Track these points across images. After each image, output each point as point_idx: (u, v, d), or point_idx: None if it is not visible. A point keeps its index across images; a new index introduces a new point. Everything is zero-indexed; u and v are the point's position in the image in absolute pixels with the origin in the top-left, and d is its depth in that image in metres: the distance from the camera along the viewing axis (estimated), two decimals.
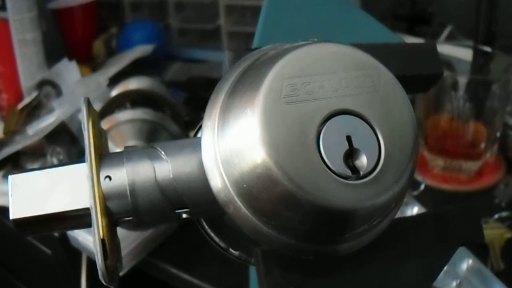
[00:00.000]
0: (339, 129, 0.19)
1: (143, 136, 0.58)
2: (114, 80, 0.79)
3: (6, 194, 0.22)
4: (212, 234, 0.27)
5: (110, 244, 0.21)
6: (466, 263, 0.50)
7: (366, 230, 0.21)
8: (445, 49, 0.68)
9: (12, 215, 0.21)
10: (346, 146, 0.19)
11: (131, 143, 0.56)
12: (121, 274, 0.23)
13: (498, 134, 0.65)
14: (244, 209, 0.20)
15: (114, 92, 0.72)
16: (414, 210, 0.58)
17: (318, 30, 0.30)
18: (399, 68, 0.22)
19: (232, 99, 0.20)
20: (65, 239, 0.62)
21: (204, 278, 0.56)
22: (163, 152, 0.22)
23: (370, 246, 0.22)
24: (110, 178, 0.22)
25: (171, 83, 0.89)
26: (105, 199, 0.22)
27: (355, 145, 0.19)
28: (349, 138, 0.19)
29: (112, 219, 0.22)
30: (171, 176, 0.22)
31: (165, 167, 0.22)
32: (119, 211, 0.22)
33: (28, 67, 0.82)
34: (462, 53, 0.68)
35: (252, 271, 0.33)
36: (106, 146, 0.25)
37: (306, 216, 0.19)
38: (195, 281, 0.56)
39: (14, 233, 0.22)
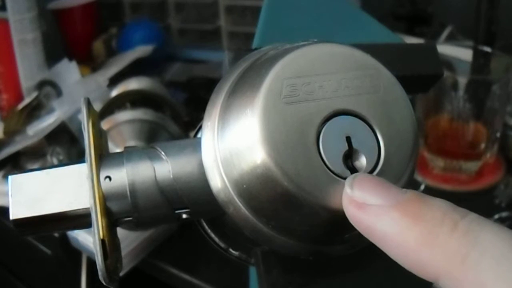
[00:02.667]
0: (338, 129, 0.19)
1: (143, 137, 0.58)
2: (114, 81, 0.79)
3: (6, 194, 0.22)
4: (212, 235, 0.27)
5: (110, 245, 0.21)
6: None
7: None
8: (445, 49, 0.68)
9: (12, 216, 0.21)
10: (345, 146, 0.19)
11: (131, 143, 0.56)
12: (121, 274, 0.23)
13: (498, 135, 0.65)
14: (244, 210, 0.20)
15: (114, 93, 0.72)
16: None
17: (318, 30, 0.30)
18: (399, 68, 0.22)
19: (232, 99, 0.20)
20: (65, 239, 0.62)
21: (204, 278, 0.56)
22: (163, 153, 0.22)
23: (370, 246, 0.22)
24: (110, 178, 0.22)
25: (171, 84, 0.89)
26: (105, 199, 0.22)
27: (355, 145, 0.19)
28: (348, 138, 0.19)
29: (112, 220, 0.22)
30: (171, 176, 0.22)
31: (165, 168, 0.22)
32: (119, 211, 0.22)
33: (28, 67, 0.82)
34: (462, 53, 0.68)
35: (252, 271, 0.33)
36: (106, 147, 0.25)
37: (305, 216, 0.19)
38: (195, 281, 0.56)
39: (14, 233, 0.22)
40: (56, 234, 0.64)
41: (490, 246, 0.15)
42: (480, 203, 0.63)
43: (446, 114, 0.64)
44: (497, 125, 0.64)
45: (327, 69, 0.20)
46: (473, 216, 0.16)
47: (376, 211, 0.17)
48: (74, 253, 0.63)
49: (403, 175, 0.20)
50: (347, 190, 0.18)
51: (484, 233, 0.15)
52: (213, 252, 0.28)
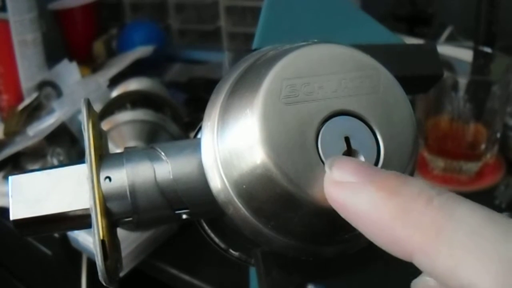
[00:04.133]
0: (337, 130, 0.19)
1: (143, 137, 0.58)
2: (115, 81, 0.79)
3: (6, 195, 0.22)
4: (212, 235, 0.27)
5: (110, 245, 0.21)
6: None
7: None
8: (445, 49, 0.68)
9: (12, 216, 0.21)
10: (344, 147, 0.19)
11: (131, 144, 0.56)
12: (121, 275, 0.23)
13: (498, 135, 0.65)
14: (243, 210, 0.20)
15: (115, 93, 0.72)
16: None
17: (318, 31, 0.30)
18: (399, 69, 0.22)
19: (231, 99, 0.20)
20: (65, 240, 0.62)
21: (204, 278, 0.56)
22: (163, 153, 0.22)
23: (370, 247, 0.22)
24: (110, 179, 0.22)
25: (171, 84, 0.89)
26: (105, 200, 0.22)
27: (354, 146, 0.19)
28: (347, 139, 0.19)
29: (112, 220, 0.22)
30: (171, 177, 0.22)
31: (165, 168, 0.22)
32: (119, 212, 0.22)
33: (28, 68, 0.82)
34: (462, 54, 0.68)
35: (252, 272, 0.33)
36: (106, 147, 0.25)
37: (305, 216, 0.19)
38: (195, 281, 0.56)
39: (15, 234, 0.22)
40: (56, 235, 0.64)
41: (466, 220, 0.14)
42: (480, 203, 0.63)
43: (446, 115, 0.64)
44: (497, 126, 0.64)
45: (327, 70, 0.20)
46: (450, 194, 0.16)
47: (352, 187, 0.17)
48: (74, 253, 0.63)
49: None
50: (326, 170, 0.18)
51: (460, 208, 0.15)
52: (213, 253, 0.28)
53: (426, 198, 0.15)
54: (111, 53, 0.97)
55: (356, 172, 0.17)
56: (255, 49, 0.24)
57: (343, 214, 0.17)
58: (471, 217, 0.15)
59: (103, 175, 0.22)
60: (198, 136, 0.23)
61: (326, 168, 0.18)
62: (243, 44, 0.96)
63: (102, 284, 0.21)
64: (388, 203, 0.16)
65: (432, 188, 0.16)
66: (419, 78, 0.27)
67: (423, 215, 0.15)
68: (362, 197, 0.16)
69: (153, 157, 0.22)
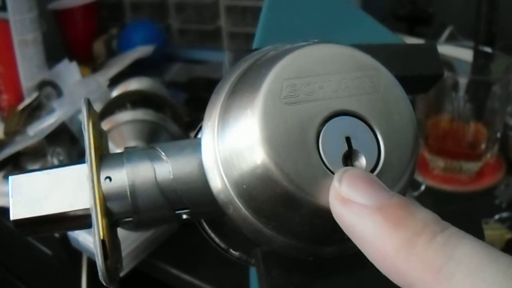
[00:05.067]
0: (338, 130, 0.19)
1: (143, 137, 0.58)
2: (115, 81, 0.79)
3: (6, 194, 0.22)
4: (213, 235, 0.27)
5: (110, 245, 0.21)
6: None
7: None
8: (445, 49, 0.68)
9: (13, 216, 0.21)
10: (345, 147, 0.19)
11: (132, 143, 0.56)
12: (121, 275, 0.23)
13: (498, 135, 0.65)
14: (244, 210, 0.20)
15: (115, 93, 0.72)
16: None
17: (318, 31, 0.30)
18: (399, 69, 0.22)
19: (232, 99, 0.20)
20: (65, 240, 0.62)
21: (204, 278, 0.56)
22: (163, 153, 0.22)
23: None
24: (110, 179, 0.22)
25: (171, 84, 0.89)
26: (105, 200, 0.22)
27: (354, 146, 0.19)
28: (348, 139, 0.19)
29: (113, 220, 0.22)
30: (171, 177, 0.22)
31: (165, 168, 0.22)
32: (119, 211, 0.22)
33: (28, 67, 0.82)
34: (462, 53, 0.68)
35: (253, 272, 0.33)
36: (106, 147, 0.25)
37: (305, 216, 0.19)
38: (195, 281, 0.56)
39: (15, 234, 0.22)
40: (56, 235, 0.64)
41: (466, 259, 0.15)
42: (481, 203, 0.63)
43: (447, 115, 0.64)
44: (498, 126, 0.64)
45: (327, 70, 0.20)
46: (452, 230, 0.16)
47: (359, 210, 0.17)
48: (74, 253, 0.63)
49: (403, 175, 0.20)
50: (335, 183, 0.18)
51: (461, 247, 0.15)
52: (213, 253, 0.28)
53: (430, 234, 0.16)
54: (111, 53, 0.97)
55: (365, 192, 0.17)
56: (255, 49, 0.24)
57: (347, 232, 0.17)
58: (470, 258, 0.15)
59: (103, 175, 0.22)
60: (199, 136, 0.23)
61: (335, 181, 0.18)
62: (243, 44, 0.96)
63: (102, 284, 0.21)
64: (393, 235, 0.16)
65: (436, 223, 0.16)
66: (419, 78, 0.27)
67: (425, 252, 0.15)
68: (368, 224, 0.17)
69: (153, 157, 0.22)
